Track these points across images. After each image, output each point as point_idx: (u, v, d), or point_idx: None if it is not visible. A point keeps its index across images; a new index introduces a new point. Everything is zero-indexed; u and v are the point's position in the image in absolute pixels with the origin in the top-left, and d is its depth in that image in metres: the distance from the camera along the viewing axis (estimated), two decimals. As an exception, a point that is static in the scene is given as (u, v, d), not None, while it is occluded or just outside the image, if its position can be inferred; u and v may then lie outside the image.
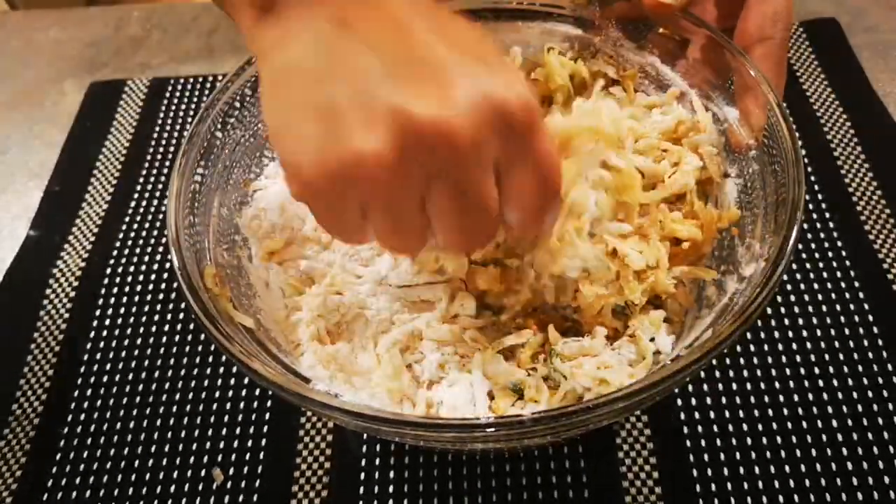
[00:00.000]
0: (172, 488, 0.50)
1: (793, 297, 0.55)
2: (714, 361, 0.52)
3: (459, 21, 0.34)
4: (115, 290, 0.60)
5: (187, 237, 0.41)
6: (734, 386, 0.51)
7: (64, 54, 0.81)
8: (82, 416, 0.53)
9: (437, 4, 0.34)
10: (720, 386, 0.51)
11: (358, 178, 0.30)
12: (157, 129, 0.72)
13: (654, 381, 0.32)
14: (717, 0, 0.48)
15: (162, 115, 0.73)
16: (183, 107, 0.73)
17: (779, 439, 0.49)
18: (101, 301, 0.60)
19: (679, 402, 0.51)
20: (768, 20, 0.44)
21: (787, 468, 0.47)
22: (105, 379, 0.55)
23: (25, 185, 0.70)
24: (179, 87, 0.75)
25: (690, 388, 0.51)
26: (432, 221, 0.33)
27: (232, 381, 0.54)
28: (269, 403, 0.53)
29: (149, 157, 0.70)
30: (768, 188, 0.41)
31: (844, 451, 0.48)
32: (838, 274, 0.56)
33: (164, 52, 0.80)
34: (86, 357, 0.56)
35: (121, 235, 0.64)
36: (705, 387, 0.51)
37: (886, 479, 0.47)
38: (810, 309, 0.54)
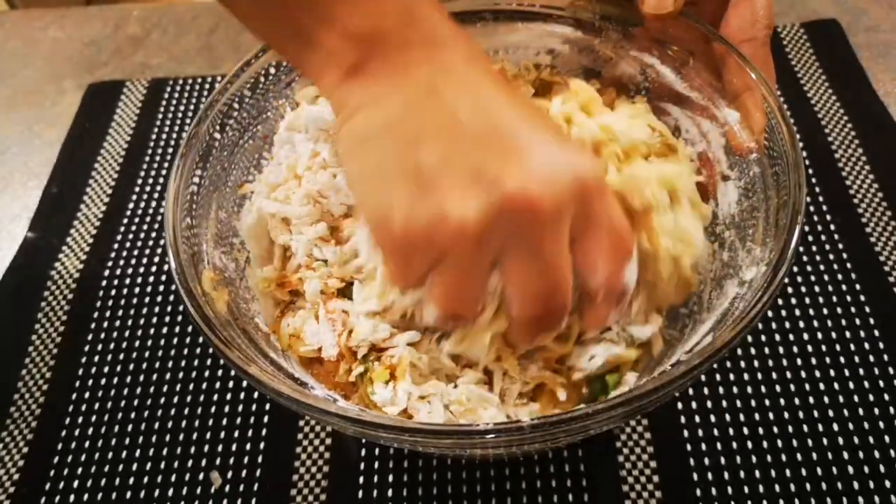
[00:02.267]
0: (170, 492, 0.50)
1: (793, 300, 0.55)
2: (714, 365, 0.51)
3: (525, 98, 0.44)
4: (114, 292, 0.60)
5: (185, 240, 0.41)
6: (734, 389, 0.51)
7: (63, 54, 0.81)
8: (80, 420, 0.53)
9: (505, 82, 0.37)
10: (720, 389, 0.51)
11: (442, 239, 0.33)
12: (156, 130, 0.72)
13: (655, 387, 0.32)
14: (706, 8, 0.48)
15: (160, 116, 0.73)
16: (182, 108, 0.73)
17: (779, 442, 0.48)
18: (98, 304, 0.59)
19: (679, 404, 0.50)
20: (747, 22, 0.45)
21: (787, 472, 0.47)
22: (103, 382, 0.55)
23: (25, 184, 0.70)
24: (178, 89, 0.75)
25: (690, 391, 0.51)
26: (507, 290, 0.35)
27: (230, 385, 0.54)
28: (267, 407, 0.53)
29: (147, 159, 0.69)
30: (769, 191, 0.41)
31: (845, 454, 0.48)
32: (839, 276, 0.56)
33: (164, 51, 0.80)
34: (83, 360, 0.56)
35: (119, 237, 0.64)
36: (705, 390, 0.51)
37: (888, 483, 0.46)
38: (811, 311, 0.54)
